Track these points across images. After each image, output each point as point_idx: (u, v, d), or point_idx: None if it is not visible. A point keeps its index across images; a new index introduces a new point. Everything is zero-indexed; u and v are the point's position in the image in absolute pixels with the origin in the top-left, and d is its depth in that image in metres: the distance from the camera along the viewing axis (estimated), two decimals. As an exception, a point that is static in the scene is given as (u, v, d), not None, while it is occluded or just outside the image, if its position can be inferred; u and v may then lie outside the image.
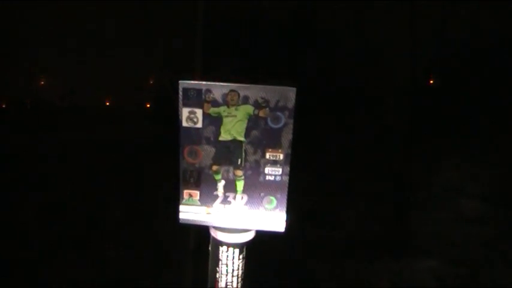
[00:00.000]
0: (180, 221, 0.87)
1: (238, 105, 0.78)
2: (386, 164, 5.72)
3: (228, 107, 0.78)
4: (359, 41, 9.14)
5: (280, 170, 0.81)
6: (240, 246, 0.87)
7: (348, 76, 9.06)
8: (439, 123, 7.23)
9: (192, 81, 0.78)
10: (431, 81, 9.74)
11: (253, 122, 0.79)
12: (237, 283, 0.90)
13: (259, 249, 0.93)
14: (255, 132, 0.79)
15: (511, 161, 5.28)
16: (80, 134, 10.06)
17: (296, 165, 0.82)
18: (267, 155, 0.80)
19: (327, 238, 3.86)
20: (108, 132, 10.58)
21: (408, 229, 3.91)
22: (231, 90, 0.77)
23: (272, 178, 0.82)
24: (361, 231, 4.07)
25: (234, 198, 0.84)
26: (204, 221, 0.86)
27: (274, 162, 0.81)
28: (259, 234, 0.89)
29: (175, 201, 0.86)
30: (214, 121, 0.79)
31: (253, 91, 0.77)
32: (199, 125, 0.80)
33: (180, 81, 0.78)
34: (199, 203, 0.85)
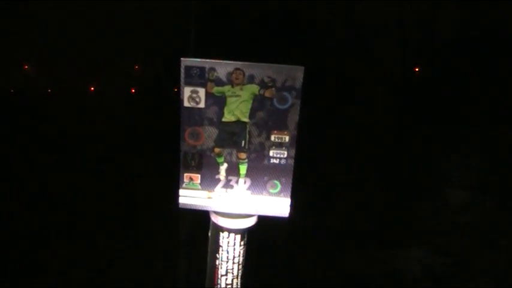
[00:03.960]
0: (180, 206, 0.83)
1: (244, 84, 0.74)
2: (378, 154, 5.75)
3: (233, 86, 0.74)
4: (350, 32, 9.12)
5: (286, 152, 0.78)
6: (242, 232, 0.84)
7: (340, 67, 9.05)
8: (431, 113, 7.28)
9: (195, 59, 0.74)
10: (417, 70, 9.79)
11: (258, 103, 0.75)
12: (238, 270, 0.88)
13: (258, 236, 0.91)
14: (260, 113, 0.76)
15: (502, 151, 5.34)
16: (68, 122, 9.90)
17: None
18: (272, 137, 0.77)
19: (318, 227, 3.87)
20: (97, 119, 10.43)
21: (399, 219, 3.93)
22: (236, 69, 0.74)
23: (277, 161, 0.79)
24: (352, 221, 4.08)
25: (237, 182, 0.81)
26: (205, 206, 0.83)
27: (279, 145, 0.78)
28: (261, 220, 0.86)
29: (168, 192, 0.83)
30: (217, 101, 0.76)
31: (260, 70, 0.74)
32: (202, 105, 0.76)
33: (182, 59, 0.74)
34: (200, 187, 0.82)
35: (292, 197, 0.82)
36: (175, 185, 0.83)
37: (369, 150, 6.16)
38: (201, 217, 0.87)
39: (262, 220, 0.85)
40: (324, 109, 7.61)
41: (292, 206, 0.83)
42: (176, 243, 2.45)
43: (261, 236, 0.94)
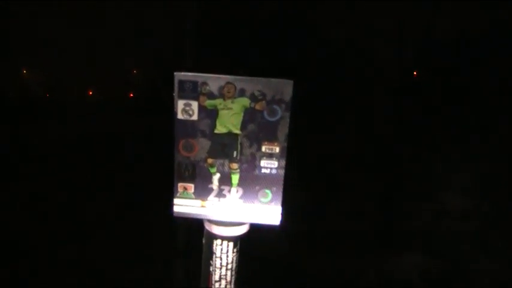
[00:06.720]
0: (174, 214, 0.86)
1: (235, 98, 0.77)
2: (374, 159, 5.78)
3: (224, 99, 0.77)
4: (348, 36, 9.17)
5: (276, 163, 0.81)
6: (234, 240, 0.87)
7: (337, 71, 9.08)
8: (429, 118, 7.32)
9: (188, 73, 0.77)
10: (416, 74, 9.84)
11: (249, 115, 0.78)
12: (231, 276, 0.90)
13: (252, 243, 0.94)
14: (251, 125, 0.79)
15: (500, 155, 5.37)
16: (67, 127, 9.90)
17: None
18: (263, 148, 0.80)
19: (313, 232, 3.88)
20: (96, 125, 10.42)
21: (395, 223, 3.95)
22: (228, 83, 0.77)
23: (268, 171, 0.82)
24: (348, 226, 4.10)
25: (229, 191, 0.84)
26: (199, 214, 0.86)
27: (270, 156, 0.81)
28: (253, 227, 0.89)
29: (165, 199, 0.86)
30: (210, 114, 0.79)
31: (250, 84, 0.77)
32: (195, 117, 0.79)
33: (175, 73, 0.77)
34: (193, 196, 0.84)
35: (288, 203, 0.85)
36: (167, 193, 0.86)
37: (367, 153, 6.20)
38: (195, 227, 0.90)
39: (257, 225, 0.88)
40: (320, 112, 7.65)
41: (283, 213, 0.86)
42: (170, 251, 2.47)
43: (256, 240, 0.97)
